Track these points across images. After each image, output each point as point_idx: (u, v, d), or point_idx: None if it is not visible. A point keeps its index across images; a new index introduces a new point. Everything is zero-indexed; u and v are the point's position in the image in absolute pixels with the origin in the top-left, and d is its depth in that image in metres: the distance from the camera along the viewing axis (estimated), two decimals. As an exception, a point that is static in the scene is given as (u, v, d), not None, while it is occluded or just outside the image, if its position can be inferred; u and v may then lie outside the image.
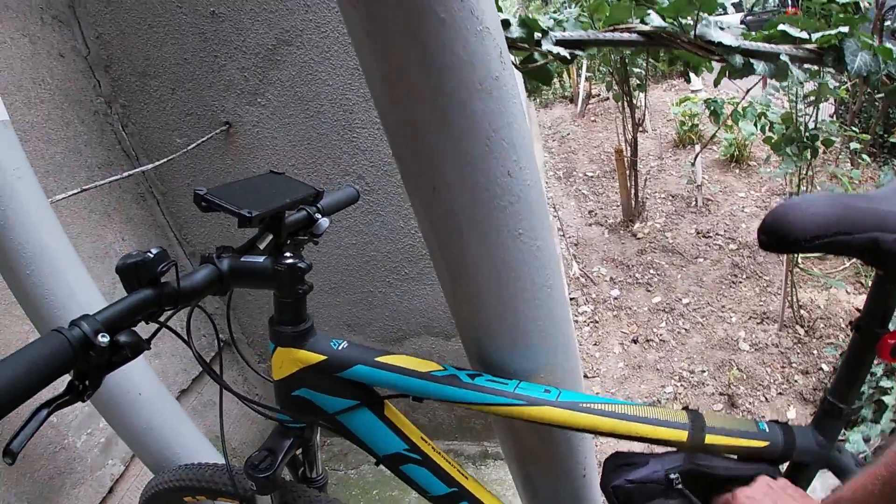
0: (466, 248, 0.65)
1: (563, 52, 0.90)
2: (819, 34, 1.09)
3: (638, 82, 4.43)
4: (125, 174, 1.79)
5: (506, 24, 0.87)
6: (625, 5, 0.95)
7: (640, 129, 4.82)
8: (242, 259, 0.88)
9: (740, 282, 3.74)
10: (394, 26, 0.54)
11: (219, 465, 1.25)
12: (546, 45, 0.89)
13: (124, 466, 1.84)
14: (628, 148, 4.53)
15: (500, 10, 0.84)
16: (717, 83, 1.16)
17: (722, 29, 1.00)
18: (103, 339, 0.65)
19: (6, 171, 1.22)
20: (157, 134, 2.04)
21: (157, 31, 1.87)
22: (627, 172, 4.60)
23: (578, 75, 8.62)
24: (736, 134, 5.50)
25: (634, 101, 4.51)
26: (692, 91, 7.90)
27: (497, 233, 0.62)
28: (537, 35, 0.89)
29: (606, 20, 1.00)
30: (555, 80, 11.23)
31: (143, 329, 0.77)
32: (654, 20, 0.96)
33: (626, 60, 4.16)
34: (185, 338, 0.89)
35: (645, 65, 4.35)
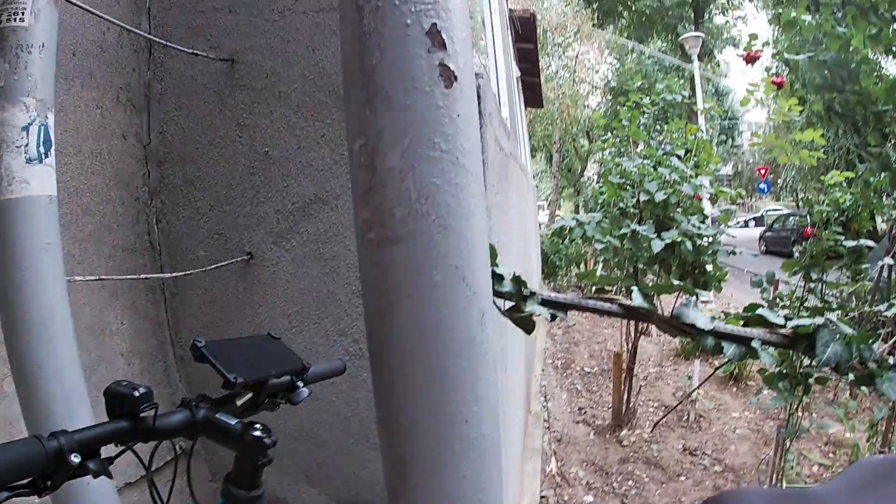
0: (414, 475, 0.68)
1: (547, 313, 1.00)
2: (795, 322, 1.17)
3: (645, 293, 4.56)
4: (143, 276, 1.87)
5: (499, 278, 0.98)
6: (613, 277, 1.05)
7: (644, 334, 4.90)
8: (217, 415, 0.93)
9: (719, 511, 3.60)
10: (394, 278, 0.62)
11: None
12: (530, 306, 0.98)
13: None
14: (628, 353, 4.58)
15: (495, 264, 0.96)
16: (690, 355, 1.23)
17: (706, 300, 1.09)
18: (75, 458, 0.71)
19: (38, 243, 1.28)
20: (185, 240, 2.14)
21: (215, 149, 2.04)
22: (623, 377, 4.62)
23: (594, 267, 8.90)
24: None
25: (642, 308, 4.61)
26: (702, 301, 8.07)
27: (442, 470, 0.66)
28: (525, 292, 0.99)
29: (595, 285, 1.11)
30: (572, 268, 11.65)
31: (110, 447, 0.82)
32: (637, 299, 1.06)
33: (638, 270, 4.33)
34: (147, 466, 0.92)
35: (655, 278, 4.51)
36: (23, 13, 1.26)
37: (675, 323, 1.06)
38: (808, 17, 3.69)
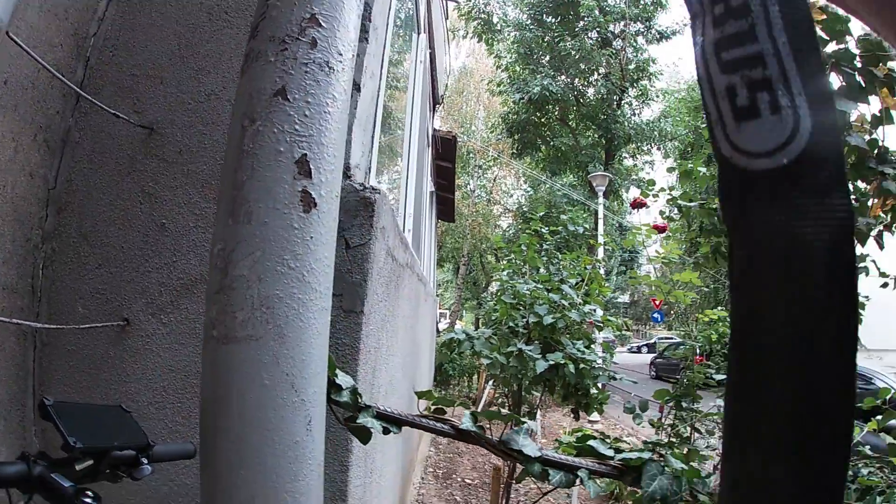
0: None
1: (378, 426, 1.06)
2: (623, 455, 1.27)
3: (528, 409, 4.67)
4: (15, 321, 1.78)
5: (337, 388, 1.04)
6: (448, 399, 1.13)
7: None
8: (53, 475, 0.93)
9: None
10: (229, 375, 0.67)
11: None
12: (363, 418, 1.04)
13: None
14: (509, 467, 4.59)
15: (334, 374, 1.02)
16: (518, 480, 1.31)
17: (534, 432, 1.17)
18: None
19: None
20: (67, 292, 2.06)
21: (115, 210, 2.03)
22: (502, 492, 4.60)
23: (487, 381, 9.01)
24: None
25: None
26: (589, 421, 8.27)
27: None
28: (361, 403, 1.05)
29: (434, 403, 1.19)
30: (465, 379, 11.81)
31: None
32: (466, 423, 1.14)
33: (522, 388, 4.45)
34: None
35: (539, 396, 4.64)
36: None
37: (503, 448, 1.13)
38: (703, 169, 4.17)
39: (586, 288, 4.98)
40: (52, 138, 2.10)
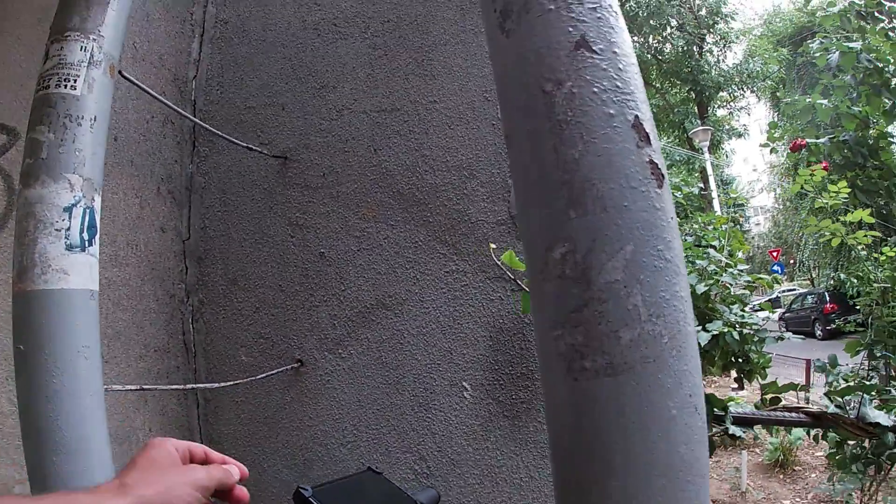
0: None
1: (738, 431, 0.88)
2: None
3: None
4: (188, 386, 1.73)
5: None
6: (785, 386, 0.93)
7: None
8: None
9: None
10: (618, 414, 0.50)
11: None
12: (728, 424, 0.86)
13: None
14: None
15: None
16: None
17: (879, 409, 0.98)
18: None
19: (73, 346, 1.09)
20: (224, 342, 2.00)
21: (263, 249, 1.95)
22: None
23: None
24: (781, 438, 5.37)
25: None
26: (732, 389, 7.85)
27: None
28: (718, 412, 0.87)
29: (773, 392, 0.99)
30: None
31: None
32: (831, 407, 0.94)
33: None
34: None
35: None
36: (74, 81, 1.12)
37: (860, 424, 0.93)
38: (824, 101, 3.79)
39: (728, 249, 4.61)
40: (176, 188, 2.05)
